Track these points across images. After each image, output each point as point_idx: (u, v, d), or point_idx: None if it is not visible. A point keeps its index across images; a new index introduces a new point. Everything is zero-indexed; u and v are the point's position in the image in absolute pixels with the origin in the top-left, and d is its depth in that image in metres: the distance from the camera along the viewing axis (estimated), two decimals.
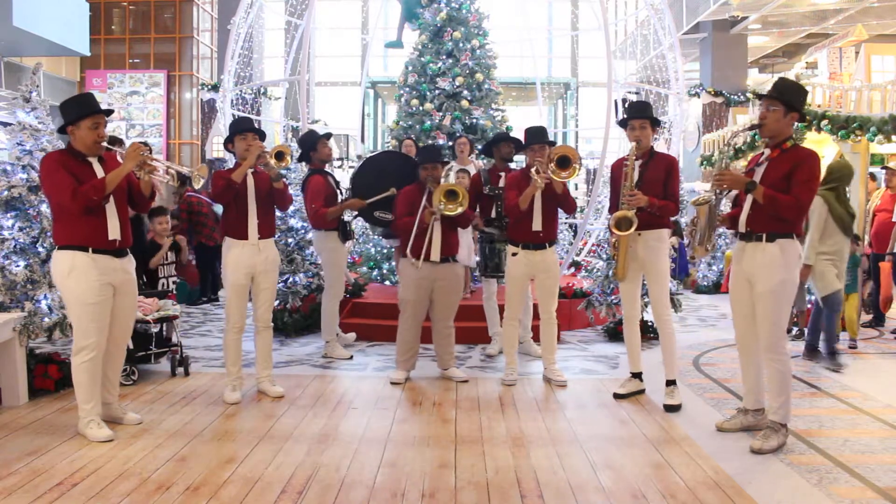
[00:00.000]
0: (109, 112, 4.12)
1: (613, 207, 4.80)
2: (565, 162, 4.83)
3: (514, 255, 5.24)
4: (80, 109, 3.95)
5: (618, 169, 4.79)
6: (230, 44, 10.29)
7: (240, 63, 10.91)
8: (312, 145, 6.06)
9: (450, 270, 5.23)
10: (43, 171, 3.96)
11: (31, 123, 4.84)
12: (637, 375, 4.98)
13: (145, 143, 5.70)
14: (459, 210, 5.03)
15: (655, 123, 4.79)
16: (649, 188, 4.63)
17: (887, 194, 7.91)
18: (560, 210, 5.33)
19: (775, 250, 3.90)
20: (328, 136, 6.24)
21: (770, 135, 3.97)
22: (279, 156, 4.81)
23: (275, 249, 4.89)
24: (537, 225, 5.15)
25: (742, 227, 4.02)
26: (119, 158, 4.10)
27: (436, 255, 5.15)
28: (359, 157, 10.00)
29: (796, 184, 3.84)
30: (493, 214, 5.93)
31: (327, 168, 6.19)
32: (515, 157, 6.10)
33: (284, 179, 4.93)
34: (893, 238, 7.59)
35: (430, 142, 8.14)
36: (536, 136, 5.28)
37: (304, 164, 6.55)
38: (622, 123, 4.86)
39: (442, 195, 5.05)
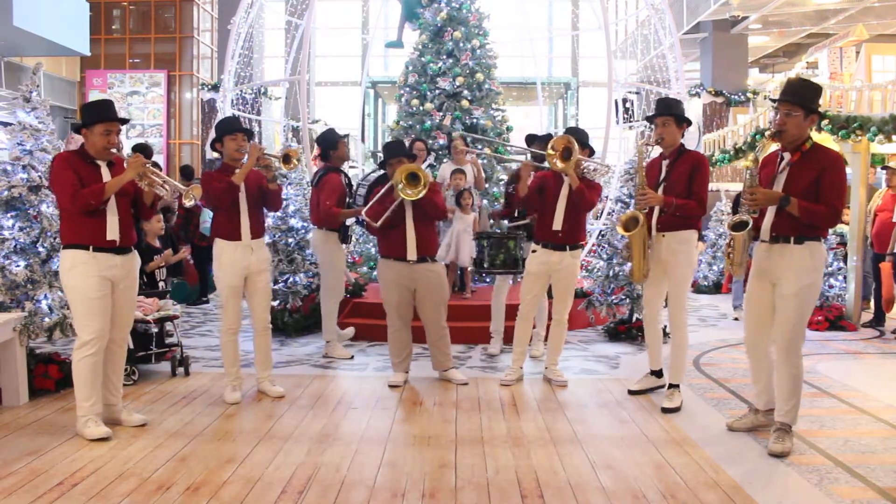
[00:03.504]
0: (124, 121, 4.25)
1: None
2: (569, 152, 4.81)
3: (533, 251, 5.22)
4: (95, 114, 4.09)
5: (651, 168, 4.73)
6: (230, 44, 10.29)
7: (240, 63, 10.91)
8: (333, 144, 6.05)
9: (428, 270, 5.11)
10: (52, 170, 4.10)
11: (31, 123, 4.83)
12: (656, 373, 4.95)
13: (145, 147, 5.72)
14: (419, 195, 4.83)
15: (682, 120, 4.63)
16: (673, 187, 4.52)
17: (888, 194, 7.90)
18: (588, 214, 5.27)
19: (804, 253, 3.81)
20: (346, 136, 6.27)
21: (790, 140, 3.85)
22: (286, 159, 4.78)
23: (266, 249, 4.89)
24: (557, 225, 5.06)
25: (766, 235, 3.91)
26: (126, 165, 4.15)
27: (412, 253, 5.04)
28: (373, 153, 9.96)
29: (826, 190, 3.75)
30: (516, 213, 5.95)
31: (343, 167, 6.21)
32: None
33: (279, 182, 4.90)
34: (894, 238, 7.58)
35: (429, 142, 8.13)
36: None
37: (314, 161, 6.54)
38: (649, 120, 4.78)
39: (403, 176, 4.84)
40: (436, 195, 5.07)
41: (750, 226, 3.90)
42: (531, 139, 6.16)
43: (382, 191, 5.04)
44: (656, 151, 4.84)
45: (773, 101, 3.95)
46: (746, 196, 3.85)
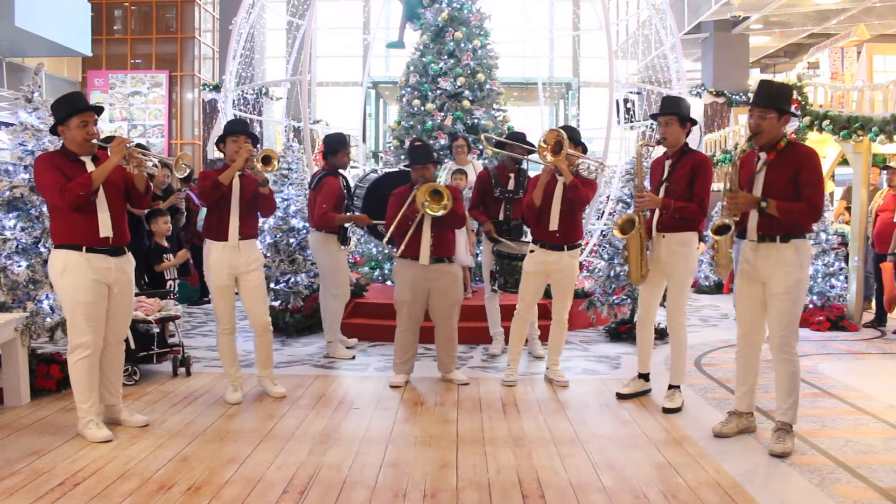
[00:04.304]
0: (99, 110, 4.11)
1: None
2: (560, 146, 4.82)
3: (531, 251, 5.21)
4: (68, 108, 3.94)
5: (655, 167, 4.71)
6: (232, 44, 10.30)
7: (241, 63, 10.92)
8: (335, 150, 6.01)
9: (444, 271, 5.13)
10: (35, 171, 3.97)
11: (33, 124, 4.84)
12: (644, 376, 4.94)
13: (141, 146, 5.71)
14: (442, 212, 4.89)
15: (686, 119, 4.59)
16: (675, 188, 4.50)
17: (889, 194, 7.89)
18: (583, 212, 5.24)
19: (791, 250, 3.85)
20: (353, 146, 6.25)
21: (766, 141, 3.92)
22: (266, 160, 4.73)
23: (257, 250, 4.85)
24: (554, 225, 5.05)
25: (753, 235, 3.93)
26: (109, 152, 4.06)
27: (425, 258, 5.05)
28: (374, 154, 9.98)
29: (805, 187, 3.81)
30: (502, 217, 5.90)
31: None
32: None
33: (270, 186, 4.88)
34: (895, 239, 7.58)
35: (431, 142, 8.14)
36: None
37: (309, 161, 6.56)
38: (653, 118, 4.74)
39: (426, 194, 4.91)
40: (457, 204, 5.06)
41: (733, 230, 3.93)
42: (501, 145, 6.19)
43: (406, 205, 5.05)
44: (659, 151, 4.82)
45: (747, 103, 3.99)
46: (728, 200, 3.89)
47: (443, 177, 6.69)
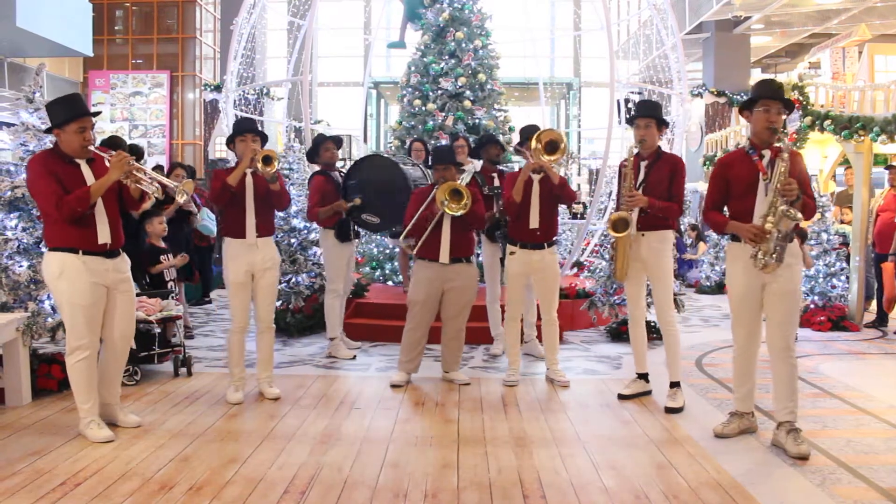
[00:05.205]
0: (96, 114, 4.08)
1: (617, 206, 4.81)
2: (553, 146, 4.85)
3: (511, 253, 5.24)
4: (66, 112, 3.89)
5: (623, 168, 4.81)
6: (233, 44, 10.31)
7: (242, 63, 10.92)
8: (315, 149, 6.12)
9: (461, 272, 5.17)
10: (29, 174, 3.92)
11: (34, 124, 4.85)
12: (643, 376, 4.96)
13: (136, 149, 5.65)
14: (461, 212, 4.95)
15: (662, 123, 4.72)
16: (653, 189, 4.61)
17: (891, 194, 7.88)
18: (562, 209, 5.32)
19: (795, 249, 3.90)
20: (337, 140, 6.24)
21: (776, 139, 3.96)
22: (266, 160, 4.73)
23: (274, 248, 4.87)
24: (534, 223, 5.11)
25: None
26: (107, 163, 4.02)
27: (444, 256, 5.10)
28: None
29: (806, 186, 3.87)
30: (496, 213, 5.95)
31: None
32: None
33: (282, 179, 4.89)
34: None
35: (433, 142, 8.14)
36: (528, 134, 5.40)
37: (308, 164, 6.59)
38: (630, 122, 4.86)
39: (446, 193, 4.98)
40: (477, 205, 5.10)
41: (799, 218, 3.75)
42: (479, 149, 6.32)
43: (425, 204, 5.11)
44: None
45: (754, 99, 3.95)
46: (785, 188, 3.74)
47: (466, 180, 6.72)
